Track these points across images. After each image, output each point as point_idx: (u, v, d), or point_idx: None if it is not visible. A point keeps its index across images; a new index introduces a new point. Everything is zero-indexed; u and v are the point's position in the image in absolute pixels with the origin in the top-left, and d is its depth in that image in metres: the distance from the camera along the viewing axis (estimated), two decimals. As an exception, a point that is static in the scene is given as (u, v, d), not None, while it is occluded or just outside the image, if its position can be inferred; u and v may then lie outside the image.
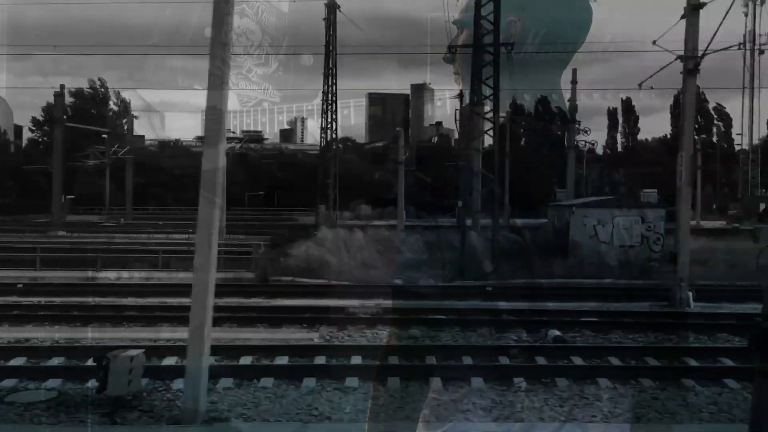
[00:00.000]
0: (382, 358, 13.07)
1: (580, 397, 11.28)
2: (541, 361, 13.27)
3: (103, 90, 66.97)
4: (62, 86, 60.68)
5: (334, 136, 40.06)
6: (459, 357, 13.33)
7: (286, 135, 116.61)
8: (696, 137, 61.35)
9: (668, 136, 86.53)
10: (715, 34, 19.29)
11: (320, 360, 13.04)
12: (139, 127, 66.49)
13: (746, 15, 63.06)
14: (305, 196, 50.66)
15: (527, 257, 26.14)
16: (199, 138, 68.06)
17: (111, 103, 67.01)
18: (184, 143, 77.03)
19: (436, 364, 12.91)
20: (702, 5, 23.30)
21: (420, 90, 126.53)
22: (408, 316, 17.00)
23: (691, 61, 19.30)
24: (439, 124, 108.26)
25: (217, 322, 14.37)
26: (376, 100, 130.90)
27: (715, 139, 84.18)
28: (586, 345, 14.73)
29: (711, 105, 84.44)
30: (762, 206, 58.87)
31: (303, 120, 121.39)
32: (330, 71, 38.55)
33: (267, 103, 44.22)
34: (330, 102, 39.13)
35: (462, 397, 11.02)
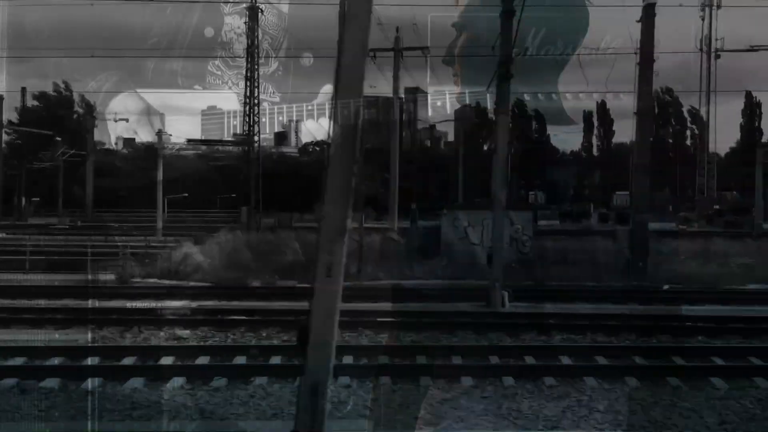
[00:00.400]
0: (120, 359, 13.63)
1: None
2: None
3: (67, 93, 67.76)
4: (23, 89, 61.63)
5: (257, 138, 40.60)
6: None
7: (281, 137, 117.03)
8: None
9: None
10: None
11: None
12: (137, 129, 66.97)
13: (703, 20, 63.49)
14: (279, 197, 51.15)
15: (399, 259, 26.64)
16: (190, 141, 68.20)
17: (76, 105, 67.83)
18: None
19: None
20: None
21: (413, 93, 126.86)
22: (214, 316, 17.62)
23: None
24: (432, 126, 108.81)
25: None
26: (369, 103, 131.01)
27: (689, 142, 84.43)
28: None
29: (686, 108, 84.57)
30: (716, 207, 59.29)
31: (297, 123, 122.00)
32: (253, 75, 39.11)
33: (267, 104, 44.84)
34: (252, 105, 39.74)
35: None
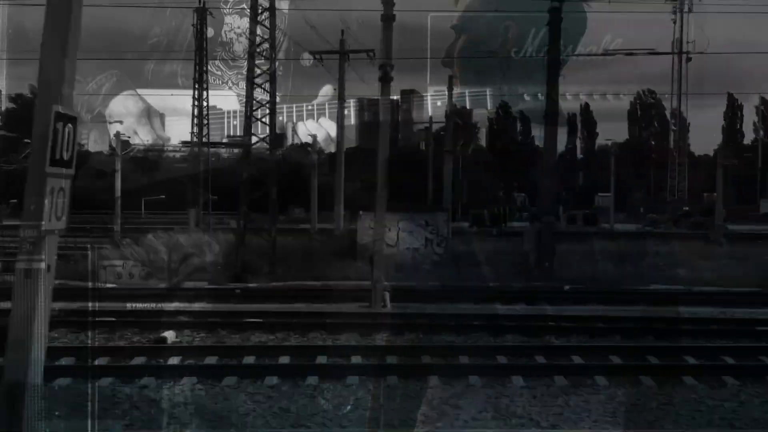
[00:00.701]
0: None
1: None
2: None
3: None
4: (-2, 91, 61.74)
5: (204, 139, 40.88)
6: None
7: (278, 138, 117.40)
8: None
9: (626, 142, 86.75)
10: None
11: None
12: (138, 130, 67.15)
13: (674, 23, 63.58)
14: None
15: (316, 260, 26.88)
16: (184, 143, 68.48)
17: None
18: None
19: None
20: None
21: (409, 95, 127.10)
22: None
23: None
24: (428, 128, 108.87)
25: None
26: (365, 105, 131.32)
27: (671, 144, 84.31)
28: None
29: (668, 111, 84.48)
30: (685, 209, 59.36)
31: (293, 124, 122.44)
32: (200, 77, 39.39)
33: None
34: (201, 107, 40.00)
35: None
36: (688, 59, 62.04)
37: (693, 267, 27.04)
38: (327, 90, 68.02)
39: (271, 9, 26.14)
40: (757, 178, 73.51)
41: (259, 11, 26.47)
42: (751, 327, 17.52)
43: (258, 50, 26.81)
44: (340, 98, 39.71)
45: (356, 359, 14.22)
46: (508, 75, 61.19)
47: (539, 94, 60.94)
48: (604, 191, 71.51)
